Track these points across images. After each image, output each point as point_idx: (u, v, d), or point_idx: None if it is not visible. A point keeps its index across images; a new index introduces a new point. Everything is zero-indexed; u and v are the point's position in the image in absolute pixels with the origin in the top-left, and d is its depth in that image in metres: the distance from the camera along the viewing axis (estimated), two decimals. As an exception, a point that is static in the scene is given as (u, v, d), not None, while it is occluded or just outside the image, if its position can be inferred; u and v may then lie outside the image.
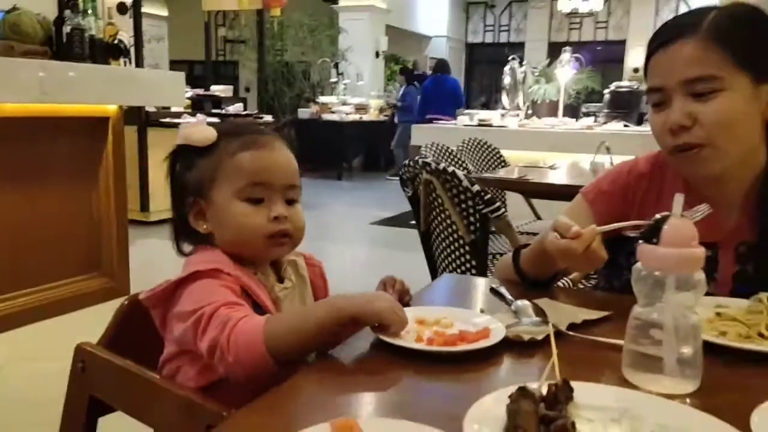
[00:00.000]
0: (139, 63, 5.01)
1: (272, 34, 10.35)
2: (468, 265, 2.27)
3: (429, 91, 8.66)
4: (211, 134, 0.96)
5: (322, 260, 1.09)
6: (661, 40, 1.03)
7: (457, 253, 2.30)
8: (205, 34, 7.95)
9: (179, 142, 0.99)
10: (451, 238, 2.31)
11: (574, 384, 0.65)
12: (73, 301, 3.19)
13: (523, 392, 0.60)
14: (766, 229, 1.06)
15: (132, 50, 4.39)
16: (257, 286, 0.92)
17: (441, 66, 8.99)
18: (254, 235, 0.93)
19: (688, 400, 0.69)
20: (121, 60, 3.53)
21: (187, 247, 1.00)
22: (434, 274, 2.51)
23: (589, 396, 0.65)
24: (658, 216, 0.73)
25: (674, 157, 1.06)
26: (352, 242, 5.31)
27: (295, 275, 1.03)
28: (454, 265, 2.33)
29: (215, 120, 6.06)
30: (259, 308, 0.90)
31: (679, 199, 0.72)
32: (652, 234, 0.71)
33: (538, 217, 3.69)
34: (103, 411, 1.01)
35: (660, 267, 0.70)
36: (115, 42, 3.44)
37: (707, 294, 1.08)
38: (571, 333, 0.87)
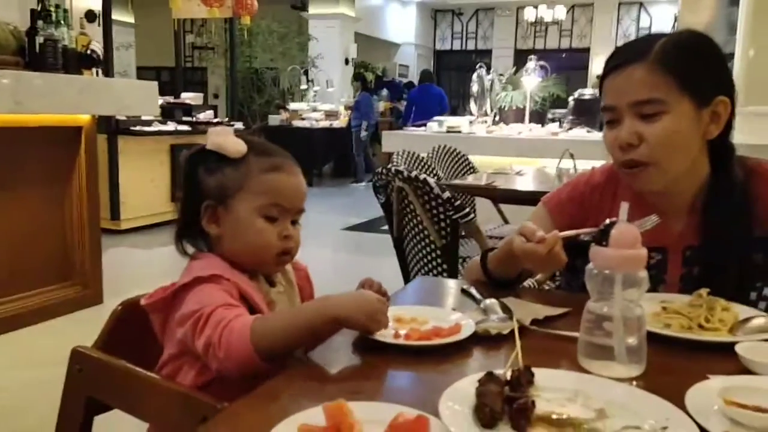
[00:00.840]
0: (109, 71, 5.00)
1: (241, 41, 10.36)
2: (440, 269, 2.37)
3: (417, 99, 9.43)
4: (244, 148, 1.02)
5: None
6: (614, 64, 1.12)
7: (429, 257, 2.40)
8: (175, 41, 7.94)
9: (210, 147, 1.03)
10: (423, 243, 2.40)
11: (535, 370, 0.74)
12: (48, 309, 3.19)
13: (490, 377, 0.69)
14: (709, 235, 1.16)
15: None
16: (254, 291, 0.98)
17: (427, 76, 9.87)
18: (266, 250, 1.01)
19: (634, 383, 0.79)
20: (94, 70, 3.55)
21: (188, 247, 1.05)
22: (407, 278, 2.60)
23: (548, 380, 0.74)
24: (607, 222, 0.83)
25: (622, 172, 1.17)
26: (325, 248, 5.37)
27: (284, 279, 1.11)
28: (426, 269, 2.42)
29: (186, 127, 6.00)
30: (255, 312, 0.97)
31: (624, 207, 0.82)
32: (602, 238, 0.81)
33: (506, 221, 3.81)
34: (99, 410, 1.06)
35: (609, 266, 0.80)
36: (88, 52, 3.47)
37: (657, 293, 1.19)
38: (533, 327, 0.97)
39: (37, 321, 3.10)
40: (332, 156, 10.21)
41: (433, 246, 2.35)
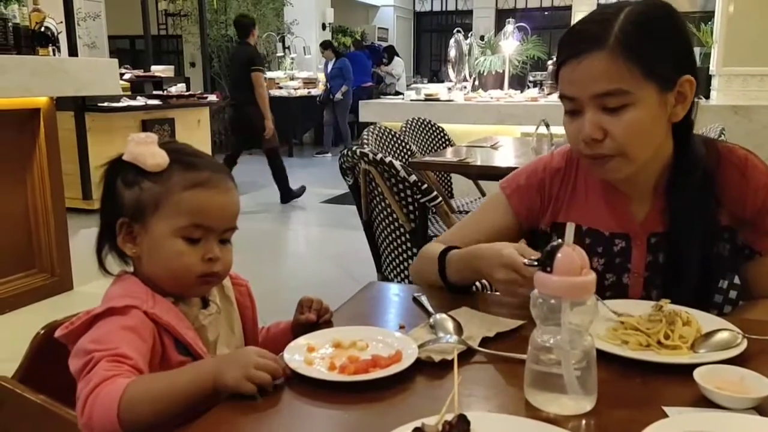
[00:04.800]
0: (72, 46, 4.81)
1: (215, 7, 10.06)
2: (409, 252, 2.31)
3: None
4: (164, 161, 0.92)
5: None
6: (571, 52, 1.02)
7: (398, 240, 2.33)
8: (143, 9, 7.67)
9: (127, 158, 0.93)
10: (392, 226, 2.33)
11: (471, 415, 0.67)
12: (13, 300, 3.11)
13: (417, 433, 0.62)
14: (674, 220, 1.10)
15: (63, 34, 4.22)
16: (178, 320, 0.90)
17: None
18: (186, 274, 0.92)
19: (584, 421, 0.73)
20: (50, 48, 3.39)
21: (110, 264, 0.97)
22: (378, 261, 2.54)
23: (486, 427, 0.67)
24: (554, 243, 0.75)
25: (585, 162, 1.09)
26: (304, 223, 5.29)
27: (221, 298, 1.02)
28: (396, 252, 2.36)
29: (156, 101, 5.79)
30: (180, 344, 0.89)
31: (570, 228, 0.74)
32: (547, 262, 0.73)
33: (483, 194, 3.74)
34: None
35: (554, 295, 0.73)
36: (42, 29, 3.30)
37: (622, 284, 1.13)
38: (481, 350, 0.90)
39: (1, 312, 3.01)
40: (311, 125, 10.02)
41: (402, 230, 2.28)
